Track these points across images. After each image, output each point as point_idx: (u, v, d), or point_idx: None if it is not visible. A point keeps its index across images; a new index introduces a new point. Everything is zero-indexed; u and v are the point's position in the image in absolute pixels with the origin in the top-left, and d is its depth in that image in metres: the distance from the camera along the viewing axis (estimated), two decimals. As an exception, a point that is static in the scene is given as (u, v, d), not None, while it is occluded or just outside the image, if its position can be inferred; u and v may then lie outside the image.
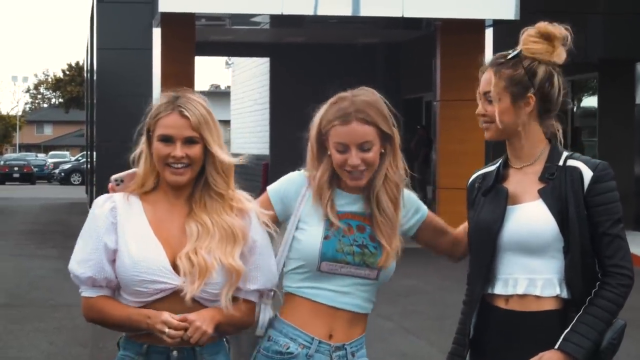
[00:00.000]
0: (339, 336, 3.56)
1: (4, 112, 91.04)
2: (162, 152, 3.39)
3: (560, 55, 3.47)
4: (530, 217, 3.39)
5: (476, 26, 17.86)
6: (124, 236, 3.37)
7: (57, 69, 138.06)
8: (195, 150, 3.39)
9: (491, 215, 3.46)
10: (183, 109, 3.39)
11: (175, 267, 3.33)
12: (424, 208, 3.76)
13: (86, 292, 3.39)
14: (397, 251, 3.59)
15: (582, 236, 3.34)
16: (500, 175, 3.53)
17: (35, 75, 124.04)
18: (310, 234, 3.57)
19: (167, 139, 3.39)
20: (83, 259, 3.36)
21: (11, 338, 9.36)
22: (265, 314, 3.60)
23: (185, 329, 3.25)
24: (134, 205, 3.44)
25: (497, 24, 17.62)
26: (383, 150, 3.56)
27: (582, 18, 19.15)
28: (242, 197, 3.50)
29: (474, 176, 3.67)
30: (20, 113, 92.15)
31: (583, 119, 23.39)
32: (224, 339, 3.51)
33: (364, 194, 3.61)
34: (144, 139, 3.48)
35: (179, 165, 3.39)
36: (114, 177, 3.49)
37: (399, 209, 3.60)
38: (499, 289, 3.45)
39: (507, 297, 3.43)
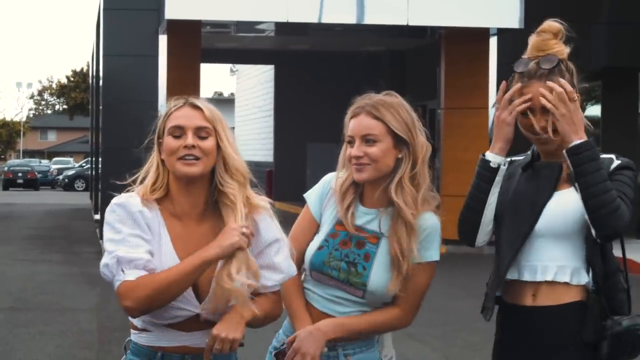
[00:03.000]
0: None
1: (8, 118, 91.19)
2: (173, 145, 3.15)
3: (564, 50, 3.53)
4: (566, 204, 3.42)
5: (481, 34, 17.92)
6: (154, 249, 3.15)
7: (61, 76, 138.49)
8: (208, 143, 3.17)
9: (537, 190, 3.46)
10: (195, 101, 3.23)
11: (196, 291, 3.15)
12: (435, 255, 3.54)
13: (131, 276, 3.05)
14: (396, 275, 3.46)
15: None
16: (536, 159, 3.55)
17: (40, 82, 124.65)
18: (314, 240, 3.58)
19: (177, 131, 3.16)
20: (136, 244, 3.09)
21: (18, 341, 9.41)
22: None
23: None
24: (155, 216, 3.18)
25: (502, 32, 17.67)
26: (400, 156, 3.48)
27: (586, 27, 19.19)
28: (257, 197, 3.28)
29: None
30: (24, 119, 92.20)
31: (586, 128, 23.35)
32: None
33: (379, 209, 3.50)
34: (155, 149, 3.24)
35: (191, 157, 3.14)
36: None
37: (410, 226, 3.44)
38: (527, 275, 3.46)
39: (536, 287, 3.43)
